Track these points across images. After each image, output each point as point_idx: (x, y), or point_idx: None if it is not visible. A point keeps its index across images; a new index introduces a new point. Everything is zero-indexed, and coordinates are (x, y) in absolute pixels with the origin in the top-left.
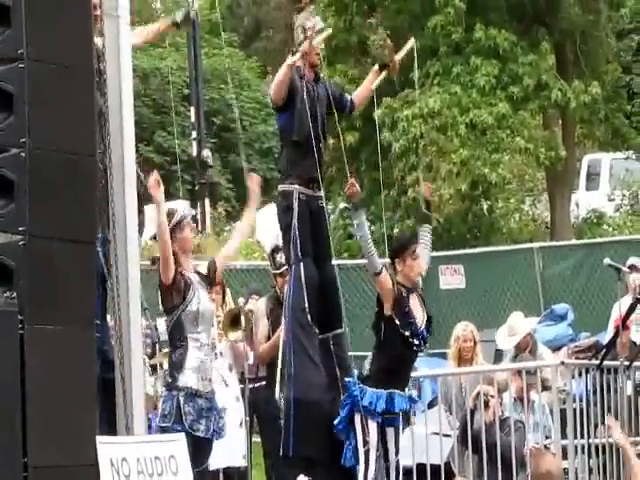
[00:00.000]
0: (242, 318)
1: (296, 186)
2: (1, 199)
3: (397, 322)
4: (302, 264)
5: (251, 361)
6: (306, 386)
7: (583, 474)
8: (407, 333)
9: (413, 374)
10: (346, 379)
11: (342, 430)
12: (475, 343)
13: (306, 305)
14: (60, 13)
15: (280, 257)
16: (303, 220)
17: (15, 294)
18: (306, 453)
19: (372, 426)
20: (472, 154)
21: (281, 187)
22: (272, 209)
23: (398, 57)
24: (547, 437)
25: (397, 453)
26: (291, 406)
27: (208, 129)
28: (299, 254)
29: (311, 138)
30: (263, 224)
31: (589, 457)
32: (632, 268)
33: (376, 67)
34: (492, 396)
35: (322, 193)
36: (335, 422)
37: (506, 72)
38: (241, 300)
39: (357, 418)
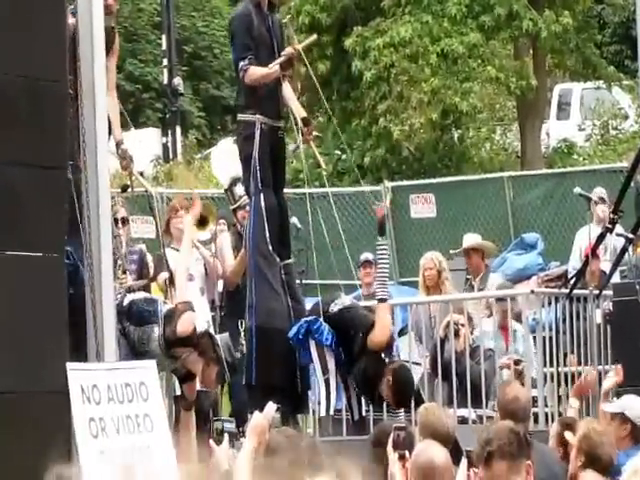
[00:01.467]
0: (210, 218)
1: (258, 116)
2: None
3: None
4: (262, 194)
5: (221, 289)
6: (267, 314)
7: (552, 402)
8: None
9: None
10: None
11: (304, 356)
12: (440, 271)
13: (267, 235)
14: None
15: (238, 189)
16: (264, 150)
17: None
18: (268, 381)
19: (330, 356)
20: (443, 83)
21: (242, 117)
22: (227, 143)
23: (300, 46)
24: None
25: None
26: (253, 335)
27: (179, 57)
28: (259, 185)
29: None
30: (219, 159)
31: (558, 385)
32: (600, 200)
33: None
34: (462, 325)
35: (282, 124)
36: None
37: (477, 1)
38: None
39: (313, 347)
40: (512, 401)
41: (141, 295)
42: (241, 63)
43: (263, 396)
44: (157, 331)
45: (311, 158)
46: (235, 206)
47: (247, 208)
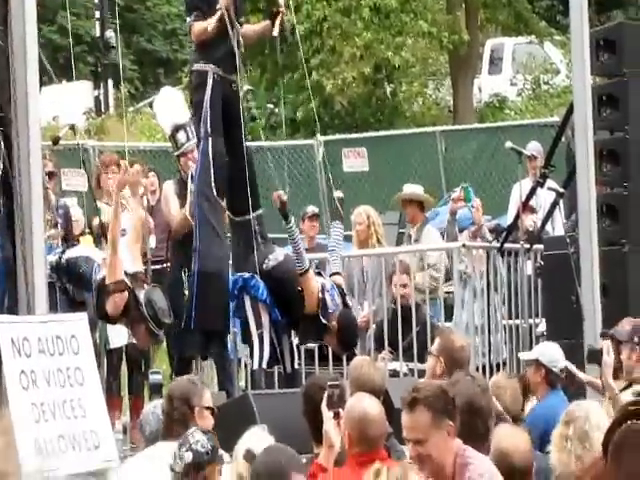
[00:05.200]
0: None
1: (211, 65)
2: None
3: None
4: (210, 139)
5: (153, 245)
6: (209, 258)
7: (484, 349)
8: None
9: (318, 255)
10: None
11: (237, 311)
12: (370, 225)
13: (212, 180)
14: None
15: (181, 136)
16: (215, 99)
17: None
18: (206, 326)
19: (264, 311)
20: (375, 37)
21: (196, 66)
22: (170, 91)
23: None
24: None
25: (289, 336)
26: (194, 279)
27: (111, 10)
28: (208, 130)
29: (224, 21)
30: (161, 106)
31: (489, 334)
32: (531, 157)
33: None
34: (404, 285)
35: (237, 77)
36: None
37: None
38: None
39: (247, 303)
40: (458, 349)
41: (79, 253)
42: (187, 19)
43: (203, 343)
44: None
45: (245, 112)
46: (178, 153)
47: (190, 155)
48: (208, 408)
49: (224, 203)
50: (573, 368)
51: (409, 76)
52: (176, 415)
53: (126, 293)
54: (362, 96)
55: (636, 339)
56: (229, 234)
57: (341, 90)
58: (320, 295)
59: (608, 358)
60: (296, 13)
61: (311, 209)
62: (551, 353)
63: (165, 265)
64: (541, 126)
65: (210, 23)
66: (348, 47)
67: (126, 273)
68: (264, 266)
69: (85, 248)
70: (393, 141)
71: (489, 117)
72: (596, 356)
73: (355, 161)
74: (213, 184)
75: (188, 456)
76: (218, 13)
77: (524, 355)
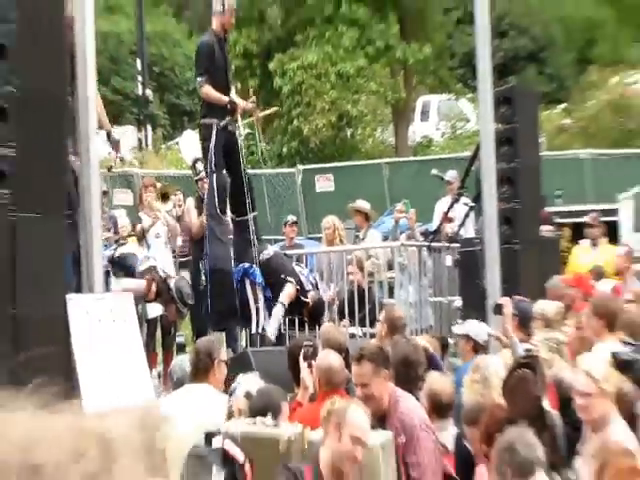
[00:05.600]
0: (169, 192)
1: (215, 120)
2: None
3: None
4: (215, 175)
5: (180, 243)
6: (215, 259)
7: (417, 318)
8: None
9: (299, 251)
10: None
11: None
12: (335, 229)
13: (216, 202)
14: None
15: (199, 166)
16: (218, 144)
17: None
18: (219, 308)
19: (259, 291)
20: (339, 95)
21: (203, 121)
22: (189, 134)
23: (262, 114)
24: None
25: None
26: (208, 274)
27: (150, 75)
28: (213, 168)
29: (224, 85)
30: (185, 143)
31: (420, 308)
32: (450, 181)
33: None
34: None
35: (235, 122)
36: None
37: (364, 36)
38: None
39: (248, 285)
40: (397, 318)
41: (127, 250)
42: (198, 79)
43: (217, 319)
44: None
45: (245, 149)
46: (197, 178)
47: (205, 180)
48: (223, 361)
49: (227, 216)
50: (492, 331)
51: (363, 123)
52: (201, 365)
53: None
54: (330, 138)
55: (515, 311)
56: (231, 236)
57: (314, 133)
58: (298, 280)
59: (507, 310)
60: (282, 77)
61: (291, 217)
62: (476, 330)
63: (188, 258)
64: (457, 159)
65: (219, 99)
66: (320, 102)
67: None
68: (260, 258)
69: (131, 246)
70: (352, 170)
71: (420, 152)
72: (500, 309)
73: (324, 184)
74: (217, 205)
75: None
76: (226, 99)
77: (457, 329)
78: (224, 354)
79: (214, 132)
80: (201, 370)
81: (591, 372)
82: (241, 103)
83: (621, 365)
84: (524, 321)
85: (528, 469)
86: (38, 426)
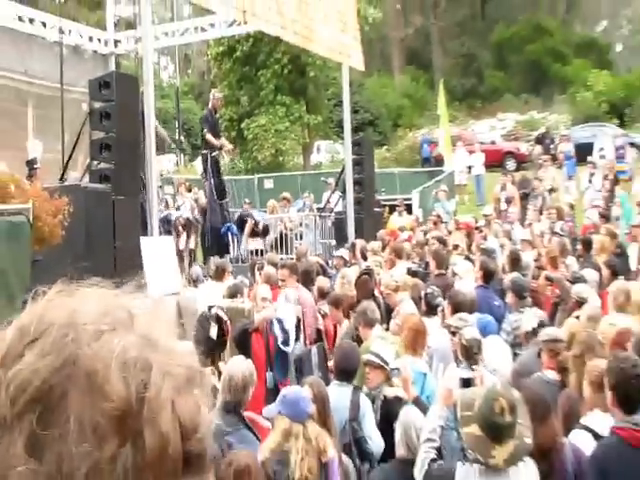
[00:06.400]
0: None
1: (209, 151)
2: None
3: None
4: (213, 180)
5: (196, 213)
6: (213, 221)
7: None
8: None
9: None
10: None
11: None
12: (274, 207)
13: (214, 193)
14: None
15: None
16: (213, 165)
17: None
18: (214, 243)
19: (235, 237)
20: (276, 140)
21: (202, 152)
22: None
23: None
24: None
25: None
26: (208, 229)
27: (182, 127)
28: (210, 175)
29: (217, 134)
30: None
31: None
32: (330, 184)
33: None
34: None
35: (217, 152)
36: None
37: (289, 111)
38: None
39: (229, 235)
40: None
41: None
42: (204, 131)
43: (213, 249)
44: None
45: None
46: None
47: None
48: (230, 271)
49: (217, 200)
50: (345, 255)
51: (288, 154)
52: (219, 272)
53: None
54: (271, 162)
55: (359, 246)
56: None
57: (264, 158)
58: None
59: (357, 247)
60: (247, 130)
61: (247, 200)
62: (342, 252)
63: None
64: (334, 173)
65: (214, 141)
66: (266, 143)
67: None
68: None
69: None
70: (283, 177)
71: (316, 169)
72: (353, 246)
73: (268, 184)
74: (215, 195)
75: None
76: (221, 144)
77: (336, 252)
78: (230, 267)
79: (209, 158)
80: (219, 275)
81: (394, 276)
82: (225, 144)
83: (411, 274)
84: (363, 251)
85: (374, 321)
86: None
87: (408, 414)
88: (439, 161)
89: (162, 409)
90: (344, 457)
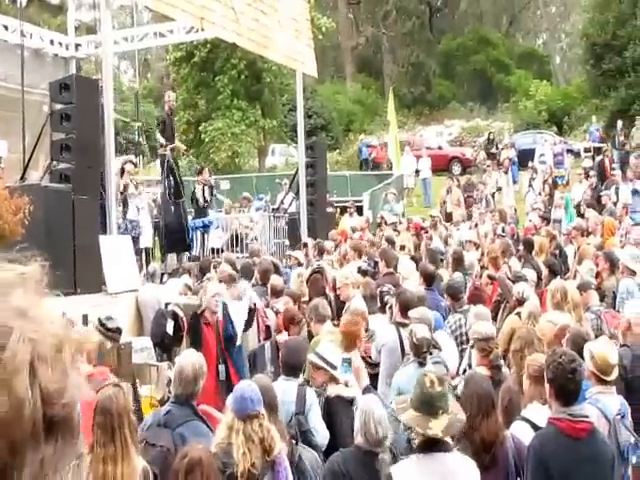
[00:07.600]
0: None
1: (167, 152)
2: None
3: None
4: (172, 178)
5: (155, 212)
6: (168, 219)
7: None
8: None
9: (213, 216)
10: None
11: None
12: (230, 207)
13: (170, 193)
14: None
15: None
16: (171, 164)
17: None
18: (172, 247)
19: (200, 232)
20: (232, 143)
21: (160, 151)
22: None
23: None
24: None
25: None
26: (162, 228)
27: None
28: (166, 175)
29: (172, 133)
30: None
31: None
32: (282, 185)
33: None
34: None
35: (174, 152)
36: None
37: (245, 115)
38: None
39: (198, 233)
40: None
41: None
42: (158, 135)
43: (170, 247)
44: None
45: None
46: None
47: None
48: (188, 270)
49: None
50: (293, 254)
51: (244, 156)
52: (179, 271)
53: None
54: (228, 163)
55: (315, 244)
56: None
57: (220, 160)
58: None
59: (309, 245)
60: (205, 133)
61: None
62: (298, 254)
63: (157, 220)
64: (288, 175)
65: (171, 146)
66: (223, 146)
67: None
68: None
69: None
70: (239, 178)
71: (271, 171)
72: (306, 244)
73: (225, 184)
74: (170, 195)
75: None
76: (176, 145)
77: (289, 252)
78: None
79: (167, 158)
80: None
81: (350, 275)
82: (179, 145)
83: (361, 273)
84: (321, 249)
85: (326, 317)
86: None
87: (368, 403)
88: (377, 163)
89: (18, 372)
90: (303, 448)
